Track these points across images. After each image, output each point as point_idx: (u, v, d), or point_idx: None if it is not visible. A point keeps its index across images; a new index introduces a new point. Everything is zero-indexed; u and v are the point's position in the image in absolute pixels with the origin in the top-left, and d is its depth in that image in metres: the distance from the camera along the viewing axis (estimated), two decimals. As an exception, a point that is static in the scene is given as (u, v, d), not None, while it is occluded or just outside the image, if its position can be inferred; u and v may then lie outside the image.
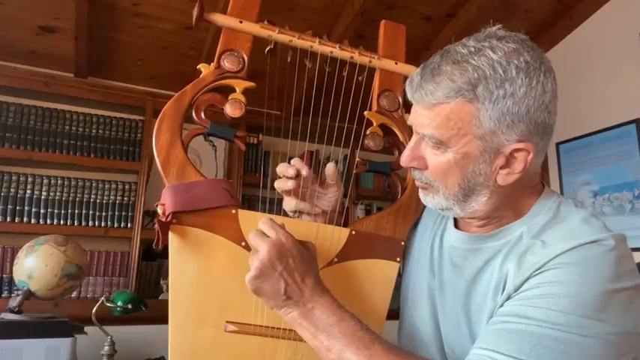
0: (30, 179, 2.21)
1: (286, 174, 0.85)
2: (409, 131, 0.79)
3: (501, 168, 0.70)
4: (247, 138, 2.64)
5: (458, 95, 0.67)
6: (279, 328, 0.78)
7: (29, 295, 1.62)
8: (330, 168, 0.87)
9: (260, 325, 0.78)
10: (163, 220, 0.76)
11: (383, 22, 1.00)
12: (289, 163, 0.86)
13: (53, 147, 2.26)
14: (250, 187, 2.59)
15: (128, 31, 2.29)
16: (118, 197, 2.34)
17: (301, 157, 0.87)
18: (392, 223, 0.89)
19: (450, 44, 0.72)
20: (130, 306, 1.76)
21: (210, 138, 0.86)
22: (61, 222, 2.23)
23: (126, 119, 2.42)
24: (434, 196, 0.76)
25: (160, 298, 2.36)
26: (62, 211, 2.24)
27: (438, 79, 0.69)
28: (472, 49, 0.68)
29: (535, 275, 0.66)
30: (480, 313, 0.74)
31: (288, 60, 0.91)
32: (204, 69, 0.86)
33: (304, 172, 0.85)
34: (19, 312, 1.60)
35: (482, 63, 0.67)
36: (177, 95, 0.84)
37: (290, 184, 0.84)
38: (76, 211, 2.26)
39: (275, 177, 0.87)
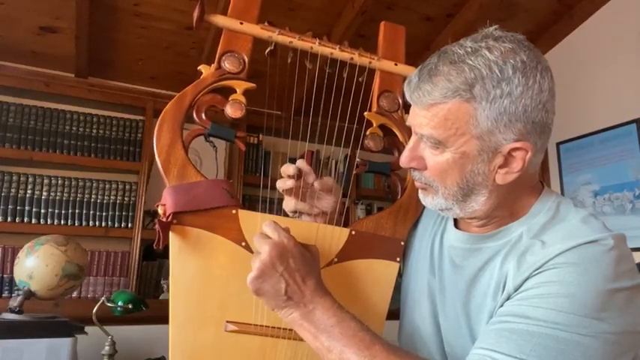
0: (30, 179, 2.21)
1: (287, 172, 0.85)
2: (409, 132, 0.79)
3: (500, 167, 0.71)
4: (247, 138, 2.64)
5: (455, 95, 0.67)
6: (280, 328, 0.78)
7: (30, 295, 1.62)
8: (328, 181, 0.88)
9: (260, 325, 0.78)
10: (164, 220, 0.76)
11: (383, 23, 1.00)
12: (290, 163, 0.86)
13: (54, 147, 2.27)
14: (250, 187, 2.59)
15: (129, 31, 2.29)
16: (118, 197, 2.34)
17: (301, 158, 0.87)
18: (392, 223, 0.89)
19: (448, 44, 0.72)
20: (130, 306, 1.77)
21: (211, 138, 0.86)
22: (62, 222, 2.23)
23: (126, 119, 2.42)
24: (433, 197, 0.76)
25: (160, 298, 2.36)
26: (63, 211, 2.24)
27: (435, 79, 0.69)
28: (469, 49, 0.69)
29: (535, 275, 0.67)
30: (480, 312, 0.74)
31: (289, 61, 0.91)
32: (205, 70, 0.87)
33: (310, 178, 0.85)
34: (19, 312, 1.61)
35: (478, 63, 0.67)
36: (178, 96, 0.84)
37: (289, 183, 0.85)
38: (77, 211, 2.26)
39: (276, 177, 0.87)
